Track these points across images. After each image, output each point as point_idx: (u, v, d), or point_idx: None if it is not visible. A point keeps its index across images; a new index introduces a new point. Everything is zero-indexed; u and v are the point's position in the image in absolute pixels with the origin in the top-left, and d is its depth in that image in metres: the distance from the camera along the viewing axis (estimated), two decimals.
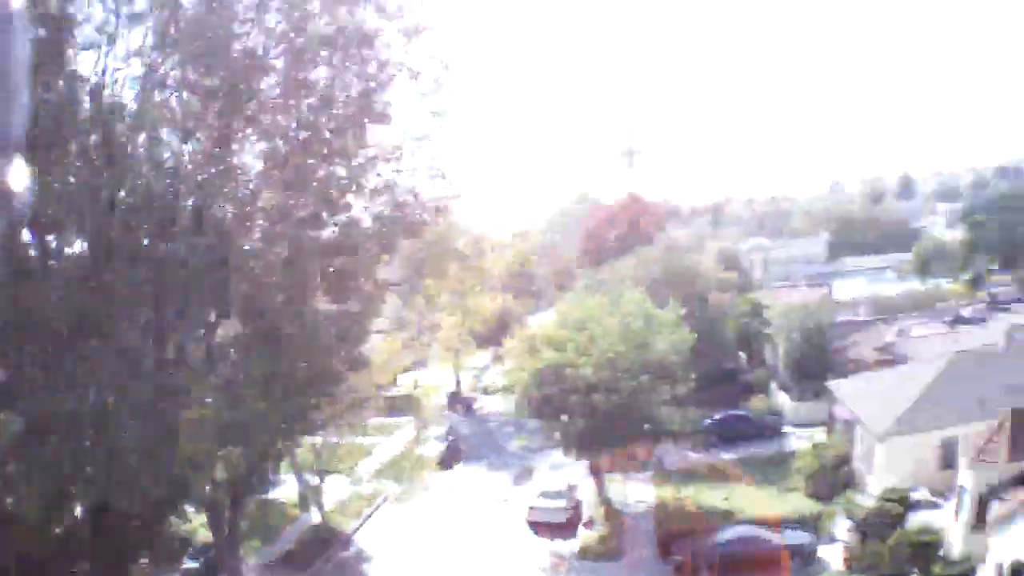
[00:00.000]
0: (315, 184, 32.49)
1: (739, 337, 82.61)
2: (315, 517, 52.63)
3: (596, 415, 47.59)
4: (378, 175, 35.13)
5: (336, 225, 34.33)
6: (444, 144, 38.39)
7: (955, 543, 40.10)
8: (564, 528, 49.82)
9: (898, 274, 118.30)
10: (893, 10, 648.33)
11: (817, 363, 68.91)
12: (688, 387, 51.60)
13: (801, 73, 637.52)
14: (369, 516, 54.82)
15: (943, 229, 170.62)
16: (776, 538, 42.65)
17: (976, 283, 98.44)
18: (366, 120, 33.08)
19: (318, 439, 49.54)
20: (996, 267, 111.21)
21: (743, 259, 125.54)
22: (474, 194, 42.14)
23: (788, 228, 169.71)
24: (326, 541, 50.38)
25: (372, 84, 32.86)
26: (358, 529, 53.20)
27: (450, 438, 67.37)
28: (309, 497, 52.29)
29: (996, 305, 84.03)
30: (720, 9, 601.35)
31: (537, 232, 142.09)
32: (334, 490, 54.82)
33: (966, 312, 77.37)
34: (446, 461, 64.02)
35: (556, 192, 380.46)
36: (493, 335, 73.09)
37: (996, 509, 35.71)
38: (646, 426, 49.77)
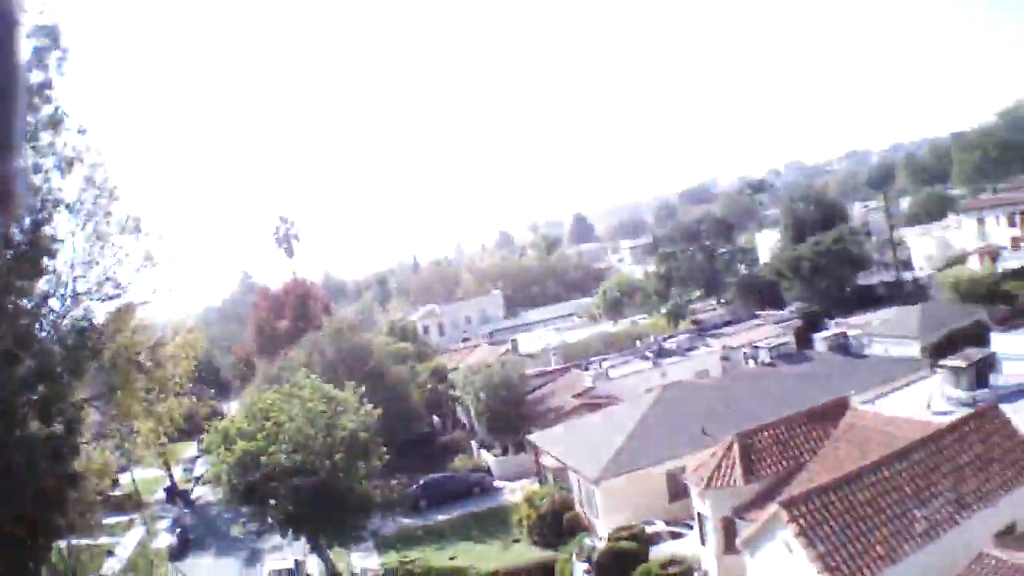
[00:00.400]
0: (5, 321, 39.13)
1: (429, 403, 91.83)
2: None
3: (301, 497, 54.64)
4: (52, 310, 43.17)
5: (32, 357, 40.57)
6: (114, 259, 45.05)
7: (709, 569, 46.01)
8: None
9: (587, 318, 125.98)
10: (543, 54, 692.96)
11: (513, 417, 77.56)
12: (382, 459, 59.31)
13: (449, 127, 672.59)
14: None
15: (630, 265, 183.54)
16: None
17: (676, 315, 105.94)
18: (37, 254, 39.83)
19: (63, 545, 53.56)
20: (699, 295, 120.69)
21: (417, 327, 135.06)
22: (148, 296, 50.29)
23: (459, 289, 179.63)
24: None
25: (39, 217, 39.80)
26: None
27: (177, 530, 74.78)
28: None
29: (704, 332, 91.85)
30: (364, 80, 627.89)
31: (209, 324, 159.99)
32: None
33: (670, 345, 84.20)
34: (177, 552, 70.93)
35: (220, 279, 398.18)
36: (192, 430, 79.93)
37: (744, 531, 39.46)
38: (352, 501, 56.53)
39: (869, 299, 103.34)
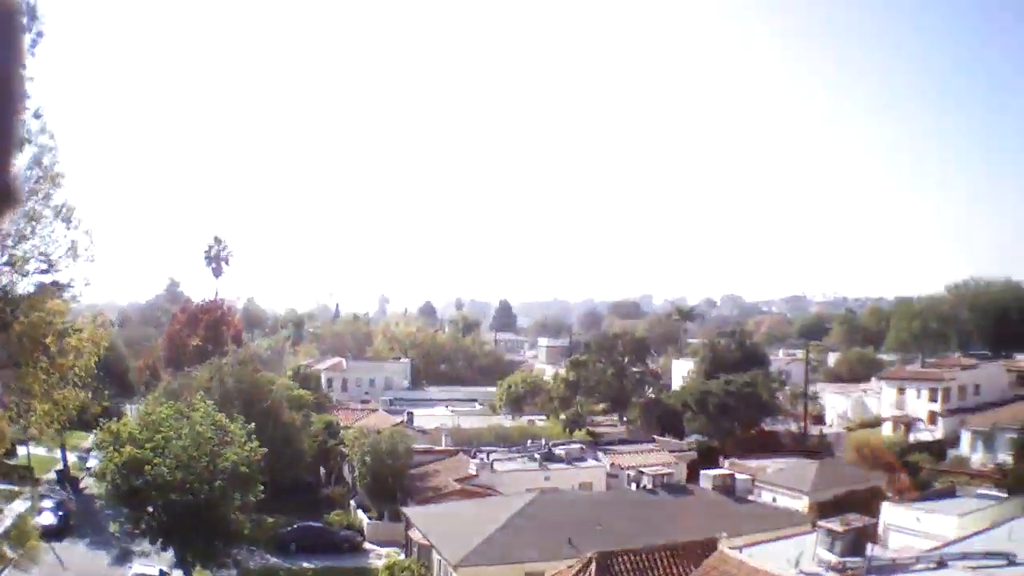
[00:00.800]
0: None
1: (318, 454, 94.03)
2: None
3: (176, 512, 57.75)
4: None
5: None
6: (42, 242, 46.70)
7: None
8: None
9: (487, 407, 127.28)
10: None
11: (393, 487, 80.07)
12: (257, 496, 61.78)
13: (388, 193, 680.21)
14: None
15: (543, 364, 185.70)
16: None
17: (575, 423, 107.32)
18: None
19: None
20: (604, 408, 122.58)
21: (322, 377, 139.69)
22: (66, 283, 54.14)
23: (370, 349, 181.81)
24: None
25: None
26: None
27: (60, 513, 77.48)
28: None
29: (597, 445, 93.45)
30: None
31: (127, 321, 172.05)
32: None
33: (559, 451, 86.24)
34: (55, 533, 73.24)
35: (148, 279, 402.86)
36: (92, 421, 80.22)
37: None
38: (222, 528, 59.46)
39: (771, 446, 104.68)
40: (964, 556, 46.72)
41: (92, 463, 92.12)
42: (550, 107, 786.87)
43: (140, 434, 60.09)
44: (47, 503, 79.42)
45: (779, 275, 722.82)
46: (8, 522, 70.74)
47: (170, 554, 64.36)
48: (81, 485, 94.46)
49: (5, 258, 45.33)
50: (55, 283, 49.41)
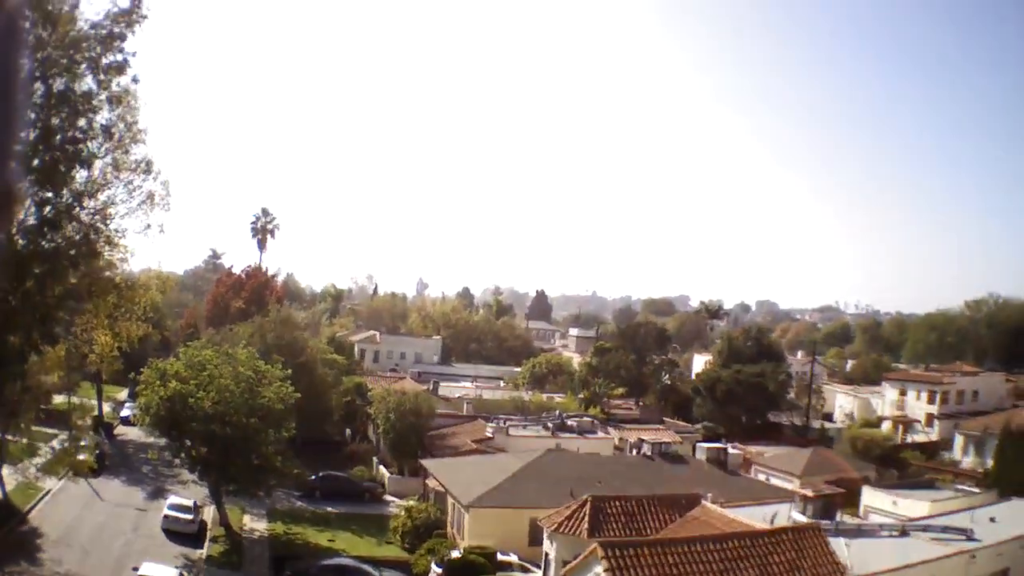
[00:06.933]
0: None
1: (345, 413, 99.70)
2: None
3: (214, 443, 62.13)
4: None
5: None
6: (124, 191, 52.68)
7: None
8: (192, 538, 64.64)
9: (511, 385, 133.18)
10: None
11: (415, 443, 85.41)
12: (290, 433, 67.03)
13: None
14: (39, 501, 68.11)
15: (572, 354, 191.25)
16: (373, 571, 56.89)
17: (591, 402, 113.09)
18: (70, 164, 48.46)
19: None
20: (622, 392, 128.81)
21: (355, 348, 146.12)
22: (142, 230, 59.31)
23: (404, 326, 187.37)
24: (5, 517, 62.98)
25: (77, 135, 48.66)
26: (31, 510, 66.30)
27: (98, 451, 79.91)
28: None
29: (611, 422, 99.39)
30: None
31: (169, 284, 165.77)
32: (9, 478, 67.35)
33: (572, 422, 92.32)
34: (96, 469, 75.95)
35: (187, 249, 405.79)
36: (128, 371, 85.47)
37: (568, 565, 46.49)
38: (255, 460, 63.98)
39: (774, 436, 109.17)
40: (926, 528, 51.26)
41: (126, 412, 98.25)
42: (599, 103, 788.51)
43: (185, 372, 63.84)
44: (87, 441, 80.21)
45: (815, 285, 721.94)
46: (57, 455, 73.66)
47: (202, 491, 69.08)
48: (115, 431, 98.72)
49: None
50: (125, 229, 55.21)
